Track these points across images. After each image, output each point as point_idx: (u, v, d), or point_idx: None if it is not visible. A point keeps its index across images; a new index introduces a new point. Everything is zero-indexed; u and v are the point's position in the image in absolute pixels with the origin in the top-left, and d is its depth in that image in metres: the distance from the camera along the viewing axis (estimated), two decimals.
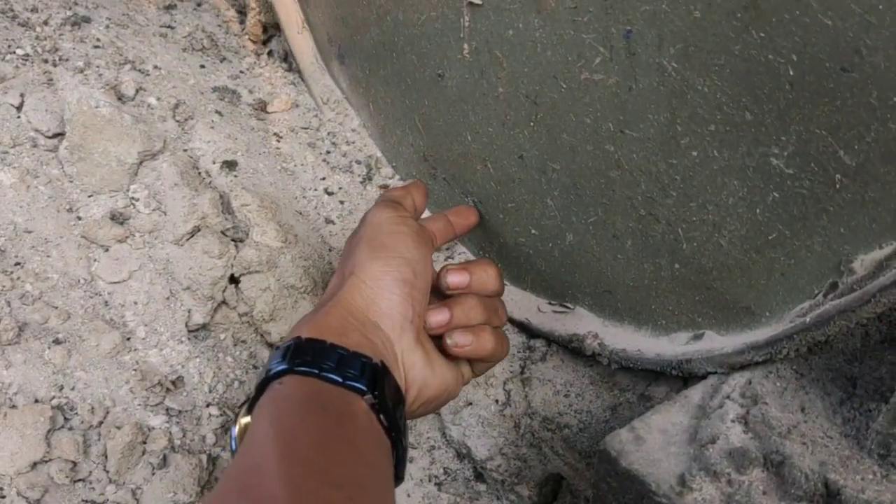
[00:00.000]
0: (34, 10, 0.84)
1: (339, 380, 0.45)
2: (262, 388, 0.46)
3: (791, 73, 0.41)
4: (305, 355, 0.46)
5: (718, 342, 0.54)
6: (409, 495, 0.68)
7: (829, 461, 0.45)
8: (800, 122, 0.42)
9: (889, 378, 0.48)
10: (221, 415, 0.68)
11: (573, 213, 0.61)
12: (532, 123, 0.59)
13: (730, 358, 0.52)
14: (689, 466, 0.46)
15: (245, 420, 0.46)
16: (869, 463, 0.44)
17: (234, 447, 0.48)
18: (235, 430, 0.47)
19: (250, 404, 0.47)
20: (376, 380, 0.47)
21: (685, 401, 0.52)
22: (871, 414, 0.46)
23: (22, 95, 0.74)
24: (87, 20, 0.85)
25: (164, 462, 0.64)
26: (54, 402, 0.62)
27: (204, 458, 0.65)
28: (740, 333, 0.53)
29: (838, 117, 0.40)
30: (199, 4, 0.98)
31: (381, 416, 0.46)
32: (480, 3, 0.56)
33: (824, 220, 0.44)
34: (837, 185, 0.42)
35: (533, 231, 0.66)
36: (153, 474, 0.63)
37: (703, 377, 0.54)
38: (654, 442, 0.49)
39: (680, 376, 0.58)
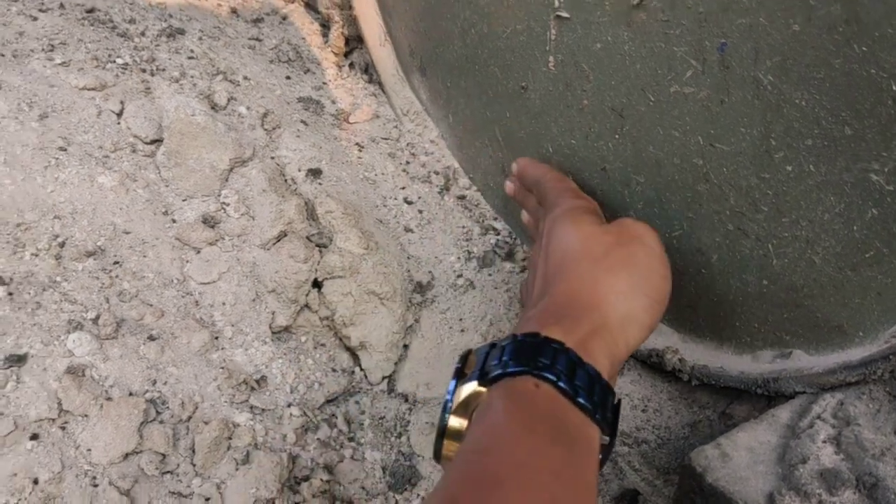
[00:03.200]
0: (132, 21, 0.89)
1: (591, 412, 0.43)
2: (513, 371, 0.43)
3: (894, 88, 0.40)
4: (560, 365, 0.43)
5: (807, 361, 0.53)
6: None
7: None
8: None
9: None
10: (302, 415, 0.69)
11: (656, 227, 0.60)
12: (617, 136, 0.59)
13: (820, 378, 0.51)
14: (777, 486, 0.46)
15: (472, 388, 0.44)
16: None
17: (449, 399, 0.45)
18: (455, 387, 0.44)
19: (482, 371, 0.44)
20: (616, 420, 0.45)
21: (773, 419, 0.51)
22: None
23: (122, 103, 0.78)
24: (181, 32, 0.89)
25: (247, 458, 0.66)
26: (147, 395, 0.65)
27: (284, 456, 0.67)
28: (831, 353, 0.51)
29: None
30: (284, 18, 1.01)
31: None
32: (568, 16, 0.57)
33: None
34: None
35: None
36: (237, 469, 0.65)
37: (791, 396, 0.53)
38: (740, 459, 0.48)
39: (764, 395, 0.57)
